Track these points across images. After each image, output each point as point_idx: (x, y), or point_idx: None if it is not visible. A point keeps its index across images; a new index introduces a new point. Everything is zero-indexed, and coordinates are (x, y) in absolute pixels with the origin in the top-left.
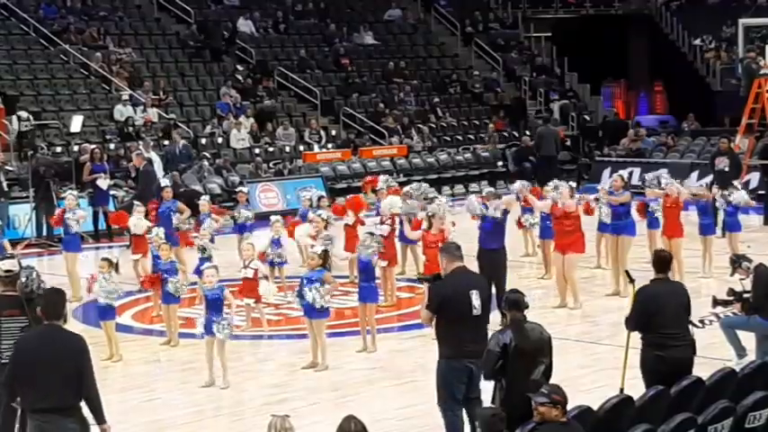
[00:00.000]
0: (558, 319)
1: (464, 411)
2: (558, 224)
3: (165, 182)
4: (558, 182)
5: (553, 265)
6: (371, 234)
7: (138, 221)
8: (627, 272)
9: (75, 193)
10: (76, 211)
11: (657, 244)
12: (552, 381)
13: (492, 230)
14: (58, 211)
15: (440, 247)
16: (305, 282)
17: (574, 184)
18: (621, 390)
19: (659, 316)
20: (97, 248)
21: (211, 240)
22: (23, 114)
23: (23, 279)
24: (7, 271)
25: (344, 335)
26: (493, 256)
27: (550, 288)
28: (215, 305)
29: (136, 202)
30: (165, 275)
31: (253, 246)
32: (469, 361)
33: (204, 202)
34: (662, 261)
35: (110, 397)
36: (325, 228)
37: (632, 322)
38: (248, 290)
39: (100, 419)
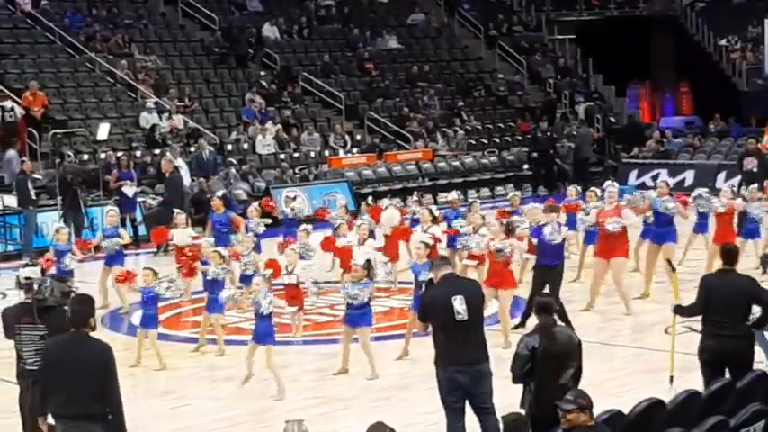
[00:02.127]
0: (585, 322)
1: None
2: (603, 229)
3: (219, 193)
4: (611, 182)
5: (591, 268)
6: (425, 243)
7: (184, 236)
8: (668, 260)
9: (116, 209)
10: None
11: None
12: (581, 385)
13: (551, 245)
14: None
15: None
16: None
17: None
18: (671, 377)
19: (711, 304)
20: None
21: (257, 248)
22: (7, 105)
23: (36, 287)
24: (27, 278)
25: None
26: (549, 270)
27: (577, 291)
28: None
29: (176, 210)
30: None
31: (295, 252)
32: (458, 368)
33: (253, 208)
34: (727, 253)
35: (139, 403)
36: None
37: (691, 306)
38: (291, 297)
39: (120, 431)
